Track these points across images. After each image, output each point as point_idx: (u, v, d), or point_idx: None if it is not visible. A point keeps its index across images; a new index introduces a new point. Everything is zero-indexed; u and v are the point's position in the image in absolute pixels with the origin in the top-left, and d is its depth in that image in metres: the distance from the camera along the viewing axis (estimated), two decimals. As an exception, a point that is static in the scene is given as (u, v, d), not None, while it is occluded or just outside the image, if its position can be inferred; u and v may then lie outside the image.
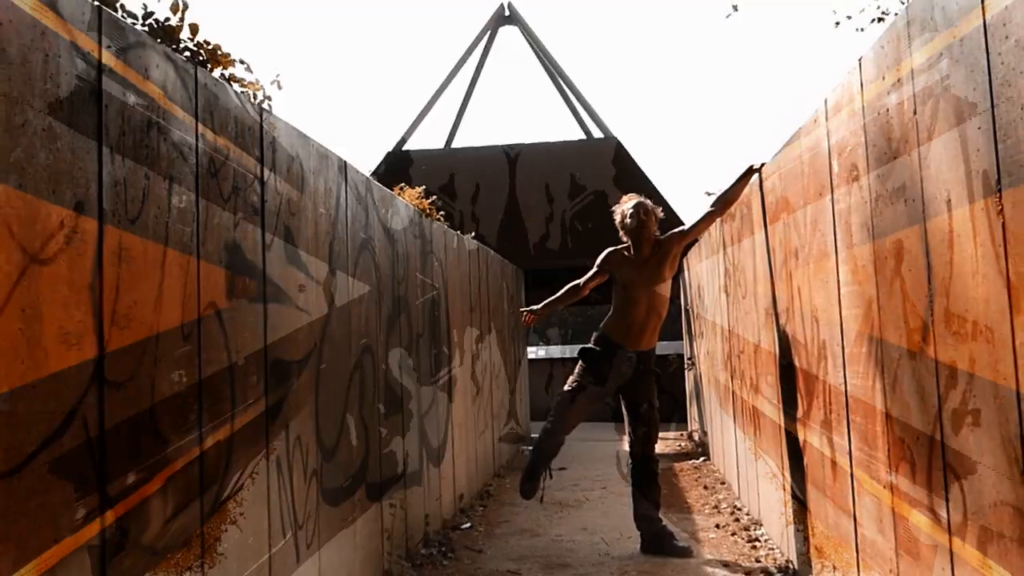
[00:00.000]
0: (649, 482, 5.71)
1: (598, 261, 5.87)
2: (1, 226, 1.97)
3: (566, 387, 5.82)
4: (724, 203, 5.62)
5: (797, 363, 4.51)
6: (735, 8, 9.43)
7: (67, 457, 2.18)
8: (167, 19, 3.06)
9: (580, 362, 5.83)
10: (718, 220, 6.28)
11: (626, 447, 6.01)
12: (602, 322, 5.90)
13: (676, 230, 5.79)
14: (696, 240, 7.43)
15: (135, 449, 2.48)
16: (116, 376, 2.39)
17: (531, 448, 6.10)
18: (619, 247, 5.85)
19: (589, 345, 5.83)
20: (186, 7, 3.11)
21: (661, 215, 5.78)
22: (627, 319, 5.69)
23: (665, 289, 5.75)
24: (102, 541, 2.30)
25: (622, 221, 5.71)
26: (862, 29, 8.99)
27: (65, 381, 2.18)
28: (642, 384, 5.73)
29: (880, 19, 8.52)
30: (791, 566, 4.94)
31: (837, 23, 9.18)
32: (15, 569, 1.97)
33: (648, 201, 5.77)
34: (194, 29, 3.16)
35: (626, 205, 5.73)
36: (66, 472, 2.17)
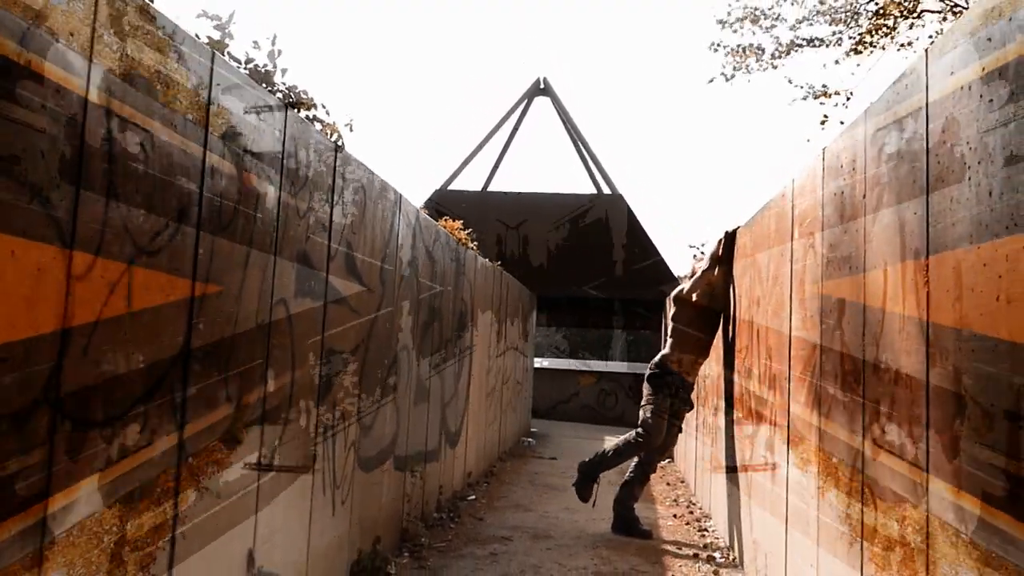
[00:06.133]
0: (641, 480, 5.75)
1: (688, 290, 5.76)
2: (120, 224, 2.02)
3: (651, 412, 5.66)
4: (730, 266, 5.41)
5: (752, 390, 4.48)
6: (711, 81, 9.64)
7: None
8: (264, 64, 3.10)
9: (649, 385, 5.75)
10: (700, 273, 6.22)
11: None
12: (661, 353, 5.84)
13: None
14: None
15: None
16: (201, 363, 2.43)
17: (602, 452, 5.86)
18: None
19: (655, 371, 5.75)
20: (280, 53, 3.16)
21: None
22: (692, 354, 5.67)
23: (715, 336, 5.75)
24: (180, 440, 2.33)
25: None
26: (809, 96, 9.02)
27: (161, 357, 2.22)
28: (679, 407, 5.74)
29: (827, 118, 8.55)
30: (732, 552, 4.89)
31: (805, 97, 9.22)
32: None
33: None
34: (284, 74, 3.21)
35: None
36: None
